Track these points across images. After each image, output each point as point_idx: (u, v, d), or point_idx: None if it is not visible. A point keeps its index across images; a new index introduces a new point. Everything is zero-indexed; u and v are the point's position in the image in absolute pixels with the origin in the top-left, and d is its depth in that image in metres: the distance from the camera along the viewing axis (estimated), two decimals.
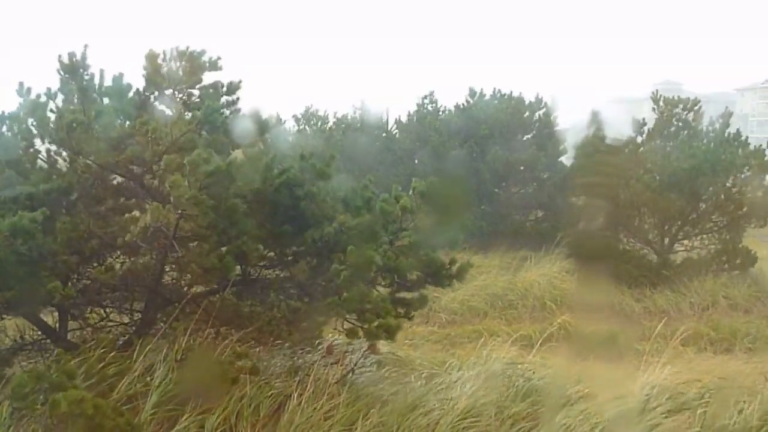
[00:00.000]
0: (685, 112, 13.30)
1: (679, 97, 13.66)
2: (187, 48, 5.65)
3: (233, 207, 4.74)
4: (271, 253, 5.50)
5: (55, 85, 5.62)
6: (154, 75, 5.62)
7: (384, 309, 4.92)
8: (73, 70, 5.56)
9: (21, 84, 5.53)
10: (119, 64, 5.93)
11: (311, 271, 5.30)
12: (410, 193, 5.33)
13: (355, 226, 4.96)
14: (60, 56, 5.56)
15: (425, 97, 16.37)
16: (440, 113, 16.22)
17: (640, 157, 12.88)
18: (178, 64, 5.63)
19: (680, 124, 13.29)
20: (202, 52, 5.69)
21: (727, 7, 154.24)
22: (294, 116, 17.55)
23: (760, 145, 12.88)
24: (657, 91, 13.83)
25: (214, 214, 4.66)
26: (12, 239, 4.29)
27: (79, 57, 5.60)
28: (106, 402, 3.97)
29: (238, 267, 5.46)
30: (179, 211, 4.60)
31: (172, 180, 4.50)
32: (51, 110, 5.38)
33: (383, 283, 5.34)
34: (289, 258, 5.44)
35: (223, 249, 4.91)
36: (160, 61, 5.61)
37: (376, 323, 4.87)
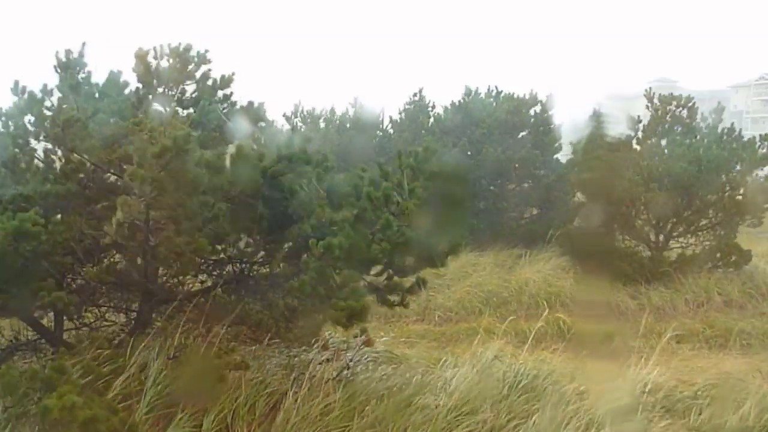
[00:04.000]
0: (679, 109, 13.30)
1: (672, 94, 13.64)
2: (178, 45, 5.64)
3: (196, 179, 4.61)
4: (262, 252, 5.49)
5: (52, 83, 5.62)
6: (146, 73, 5.60)
7: (353, 290, 4.67)
8: (69, 67, 5.55)
9: (16, 83, 5.52)
10: (117, 64, 5.95)
11: (295, 267, 5.25)
12: (398, 167, 5.10)
13: (339, 222, 4.78)
14: (57, 53, 5.55)
15: (415, 95, 16.37)
16: (432, 111, 16.23)
17: (635, 154, 12.89)
18: (169, 61, 5.61)
19: (671, 120, 13.31)
20: (189, 47, 5.67)
21: (722, 5, 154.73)
22: (284, 115, 17.43)
23: (753, 137, 12.88)
24: (650, 88, 13.81)
25: (177, 192, 4.53)
26: (16, 243, 4.26)
27: (76, 54, 5.60)
28: (100, 400, 3.96)
29: (232, 266, 5.45)
30: (142, 199, 4.48)
31: (129, 172, 4.43)
32: (47, 107, 5.37)
33: (375, 273, 5.22)
34: (281, 256, 5.44)
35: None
36: (150, 59, 5.59)
37: (338, 306, 4.61)
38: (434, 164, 5.13)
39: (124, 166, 5.15)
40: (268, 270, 5.55)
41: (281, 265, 5.27)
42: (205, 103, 5.28)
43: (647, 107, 13.43)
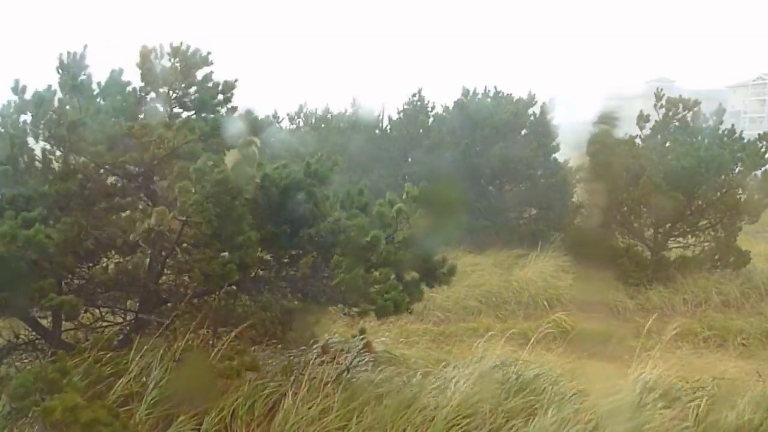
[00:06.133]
0: (685, 112, 13.31)
1: (679, 96, 13.66)
2: (180, 44, 5.61)
3: (240, 216, 4.79)
4: (269, 256, 5.51)
5: (51, 83, 5.61)
6: (149, 73, 5.59)
7: (390, 286, 5.00)
8: (70, 68, 5.54)
9: (17, 82, 5.51)
10: (117, 64, 5.94)
11: (310, 269, 5.31)
12: (404, 197, 5.38)
13: (352, 225, 4.99)
14: (60, 55, 5.56)
15: (414, 95, 16.38)
16: (431, 111, 16.22)
17: (637, 154, 12.88)
18: (171, 61, 5.60)
19: (677, 122, 13.34)
20: (196, 50, 5.66)
21: (719, 5, 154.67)
22: (288, 114, 17.50)
23: (754, 139, 12.87)
24: (660, 88, 13.78)
25: (218, 223, 4.68)
26: (25, 251, 4.28)
27: (78, 56, 5.59)
28: (101, 404, 3.96)
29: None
30: (184, 218, 4.61)
31: (181, 185, 4.51)
32: (48, 108, 5.37)
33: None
34: (286, 260, 5.46)
35: (225, 255, 4.93)
36: (153, 58, 5.58)
37: (384, 297, 4.94)
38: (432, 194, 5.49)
39: (128, 166, 5.17)
40: (271, 273, 5.57)
41: (290, 269, 5.37)
42: (217, 116, 5.34)
43: (654, 106, 13.43)
